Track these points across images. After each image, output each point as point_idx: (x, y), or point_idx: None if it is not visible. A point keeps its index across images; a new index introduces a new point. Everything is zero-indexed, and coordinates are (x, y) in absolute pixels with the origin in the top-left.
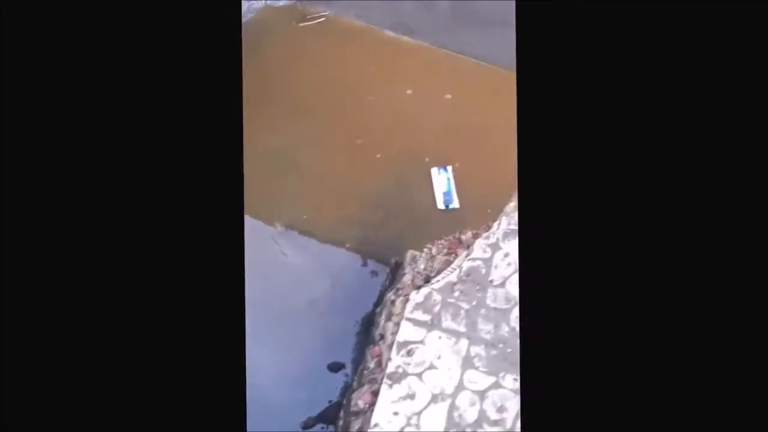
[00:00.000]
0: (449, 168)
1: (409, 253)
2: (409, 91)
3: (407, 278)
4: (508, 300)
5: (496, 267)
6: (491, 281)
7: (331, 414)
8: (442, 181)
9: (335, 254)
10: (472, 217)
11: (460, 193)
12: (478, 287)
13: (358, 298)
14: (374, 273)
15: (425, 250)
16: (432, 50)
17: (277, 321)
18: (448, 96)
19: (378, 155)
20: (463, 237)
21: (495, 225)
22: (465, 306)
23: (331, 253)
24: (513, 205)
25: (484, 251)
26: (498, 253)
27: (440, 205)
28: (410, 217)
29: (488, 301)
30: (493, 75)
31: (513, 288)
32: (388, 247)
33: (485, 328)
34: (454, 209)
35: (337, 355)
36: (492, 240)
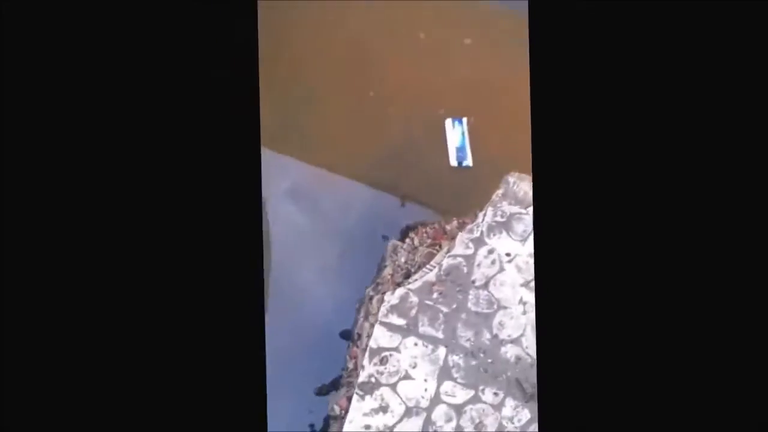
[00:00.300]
0: (464, 120)
1: (391, 243)
2: (421, 35)
3: (387, 272)
4: (490, 304)
5: (478, 265)
6: (473, 281)
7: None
8: (456, 135)
9: (344, 216)
10: (484, 180)
11: (474, 150)
12: (458, 288)
13: (367, 263)
14: (385, 238)
15: (407, 240)
16: None
17: (288, 287)
18: (468, 41)
19: (390, 108)
20: (448, 227)
21: (480, 216)
22: (444, 309)
23: (341, 214)
24: (501, 192)
25: (467, 247)
26: (481, 250)
27: (453, 162)
28: (422, 176)
29: (469, 305)
30: (517, 22)
31: (496, 290)
32: (399, 209)
33: (465, 335)
34: (467, 167)
35: (348, 322)
36: (475, 234)
